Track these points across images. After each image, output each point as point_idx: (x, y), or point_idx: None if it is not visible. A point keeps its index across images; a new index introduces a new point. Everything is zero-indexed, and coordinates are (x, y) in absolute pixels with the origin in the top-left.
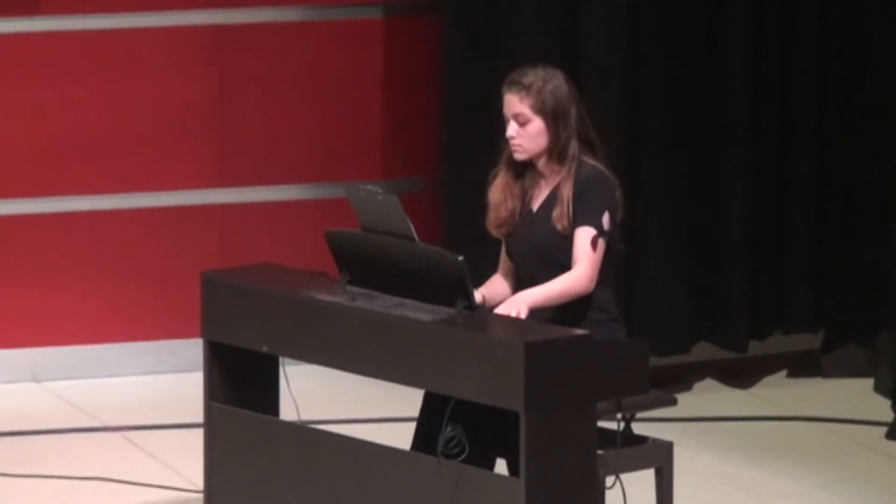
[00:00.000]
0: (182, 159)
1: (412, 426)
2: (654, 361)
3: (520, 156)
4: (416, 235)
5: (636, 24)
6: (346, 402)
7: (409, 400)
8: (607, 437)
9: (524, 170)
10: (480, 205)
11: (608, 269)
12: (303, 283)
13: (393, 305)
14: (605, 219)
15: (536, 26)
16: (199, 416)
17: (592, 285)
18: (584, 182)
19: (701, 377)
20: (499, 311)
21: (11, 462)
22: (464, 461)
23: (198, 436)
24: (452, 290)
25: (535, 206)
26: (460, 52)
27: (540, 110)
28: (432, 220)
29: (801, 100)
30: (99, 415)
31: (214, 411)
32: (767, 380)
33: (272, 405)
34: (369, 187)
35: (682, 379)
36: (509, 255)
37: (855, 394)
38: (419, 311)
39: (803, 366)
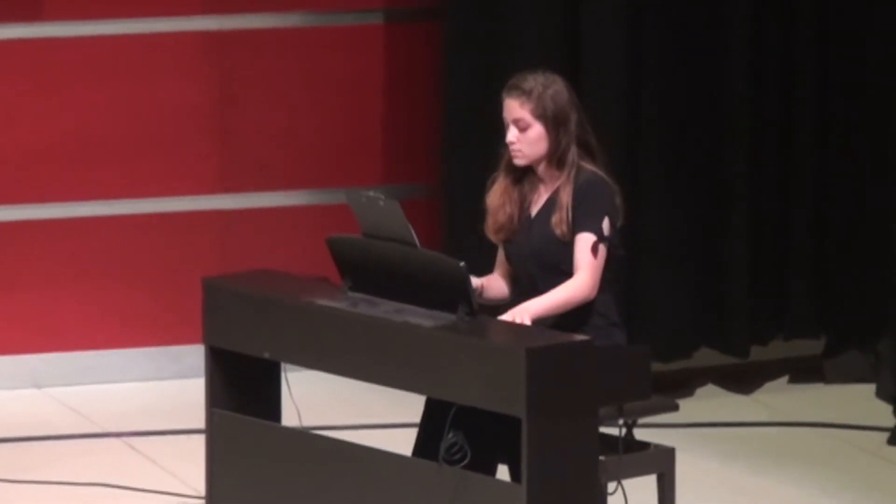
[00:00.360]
0: (184, 165)
1: (414, 432)
2: (656, 367)
3: (519, 161)
4: (417, 241)
5: (636, 28)
6: (347, 408)
7: (411, 406)
8: (609, 442)
9: (523, 175)
10: (481, 210)
11: (609, 274)
12: (304, 289)
13: (394, 311)
14: (606, 224)
15: (537, 32)
16: (200, 422)
17: (595, 292)
18: (583, 188)
19: (703, 383)
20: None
21: (13, 468)
22: (465, 467)
23: (199, 442)
24: (454, 295)
25: (534, 211)
26: (461, 57)
27: (540, 116)
28: (433, 225)
29: (802, 109)
30: (100, 421)
31: (216, 417)
32: (769, 385)
33: (274, 411)
34: (371, 193)
35: (684, 384)
36: (508, 260)
37: (857, 399)
38: (420, 317)
39: (805, 371)
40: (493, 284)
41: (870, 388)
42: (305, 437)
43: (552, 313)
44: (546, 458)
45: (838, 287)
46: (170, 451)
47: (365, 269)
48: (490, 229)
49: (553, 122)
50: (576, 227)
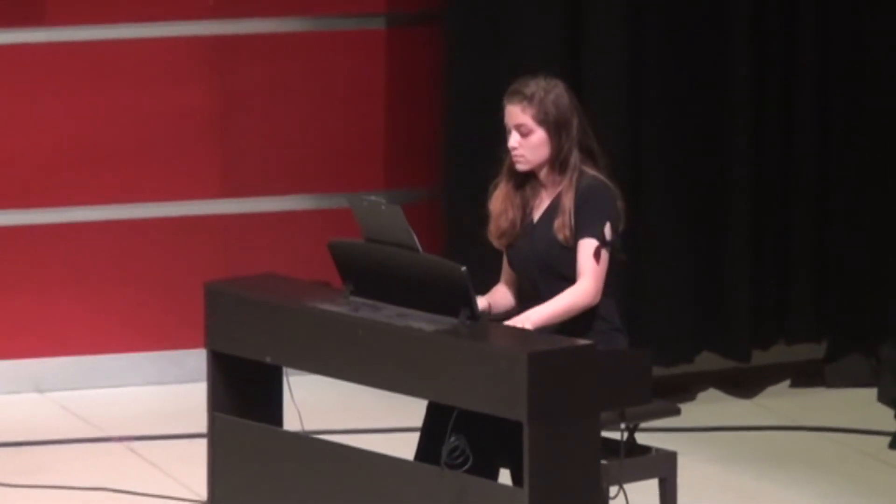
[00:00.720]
0: (186, 170)
1: (415, 436)
2: (658, 371)
3: (521, 166)
4: (419, 246)
5: (637, 33)
6: (349, 413)
7: (413, 410)
8: (611, 447)
9: (525, 180)
10: (483, 215)
11: (610, 279)
12: (306, 294)
13: (396, 316)
14: (607, 229)
15: (538, 36)
16: (202, 427)
17: (598, 298)
18: (585, 192)
19: (704, 387)
20: None
21: (15, 472)
22: (467, 471)
23: (201, 446)
24: (456, 300)
25: (536, 216)
26: (462, 62)
27: (542, 121)
28: (435, 230)
29: (803, 111)
30: (102, 425)
31: (218, 421)
32: (771, 389)
33: (275, 415)
34: (372, 198)
35: (686, 389)
36: (511, 265)
37: (858, 403)
38: (422, 322)
39: (807, 375)
40: (499, 300)
41: (871, 392)
42: (307, 442)
43: (555, 321)
44: (548, 462)
45: (840, 291)
46: (172, 455)
47: (366, 273)
48: (492, 234)
49: (555, 127)
50: (578, 232)
